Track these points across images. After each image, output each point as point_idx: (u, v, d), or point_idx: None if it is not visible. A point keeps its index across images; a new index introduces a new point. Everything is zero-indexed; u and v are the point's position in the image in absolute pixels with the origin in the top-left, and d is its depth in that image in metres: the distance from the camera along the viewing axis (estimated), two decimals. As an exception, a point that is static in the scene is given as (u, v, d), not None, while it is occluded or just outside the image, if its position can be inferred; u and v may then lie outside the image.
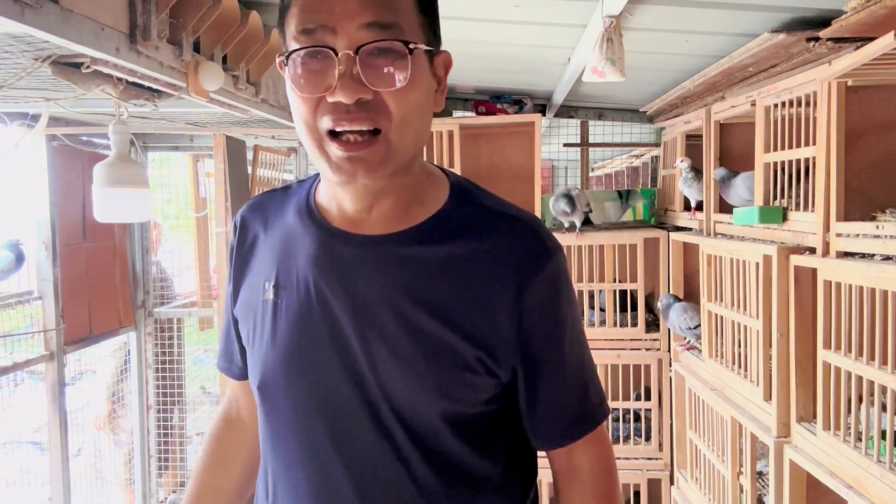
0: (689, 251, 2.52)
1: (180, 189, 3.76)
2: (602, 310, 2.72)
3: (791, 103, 1.71)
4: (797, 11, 1.63)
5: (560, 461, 0.94)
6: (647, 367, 2.71)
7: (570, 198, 2.61)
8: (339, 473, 0.86)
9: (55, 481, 2.64)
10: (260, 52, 2.10)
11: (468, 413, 0.86)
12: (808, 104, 1.62)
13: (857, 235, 1.44)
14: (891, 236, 1.33)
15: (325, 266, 0.86)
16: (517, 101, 3.21)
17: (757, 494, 1.90)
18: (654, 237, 2.68)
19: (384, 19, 0.76)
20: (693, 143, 2.54)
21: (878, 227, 1.37)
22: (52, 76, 1.62)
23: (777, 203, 1.79)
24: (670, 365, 2.63)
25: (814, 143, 1.59)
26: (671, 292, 2.52)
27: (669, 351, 2.65)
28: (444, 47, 0.87)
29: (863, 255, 1.44)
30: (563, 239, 2.62)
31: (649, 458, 2.70)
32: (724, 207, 2.16)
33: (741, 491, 1.96)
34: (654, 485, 2.72)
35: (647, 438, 2.72)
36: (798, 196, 1.70)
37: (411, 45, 0.77)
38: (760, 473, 1.98)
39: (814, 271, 1.58)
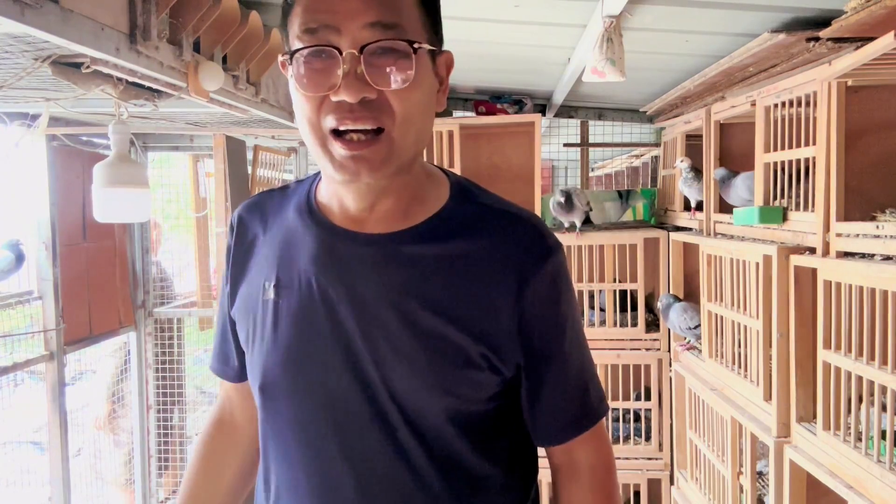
0: (689, 251, 2.52)
1: (180, 189, 3.76)
2: (602, 310, 2.72)
3: (791, 103, 1.71)
4: (797, 11, 1.63)
5: (560, 458, 0.94)
6: (647, 367, 2.71)
7: (569, 197, 2.61)
8: (341, 472, 0.86)
9: (55, 481, 2.64)
10: (260, 52, 2.10)
11: (472, 411, 0.87)
12: (808, 104, 1.62)
13: (857, 235, 1.44)
14: (891, 236, 1.33)
15: (327, 265, 0.87)
16: (517, 101, 3.21)
17: (757, 494, 1.90)
18: (654, 237, 2.68)
19: (387, 19, 0.77)
20: (693, 143, 2.54)
21: (878, 227, 1.37)
22: (52, 76, 1.62)
23: (777, 203, 1.79)
24: (670, 365, 2.63)
25: (814, 143, 1.59)
26: (671, 292, 2.52)
27: (669, 351, 2.65)
28: (444, 47, 0.87)
29: (863, 255, 1.44)
30: (563, 239, 2.62)
31: (649, 458, 2.70)
32: (724, 207, 2.16)
33: (741, 491, 1.96)
34: (654, 485, 2.72)
35: (647, 438, 2.72)
36: (798, 196, 1.70)
37: (415, 45, 0.78)
38: (760, 473, 1.98)
39: (814, 271, 1.58)
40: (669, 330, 2.58)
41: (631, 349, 2.71)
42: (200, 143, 3.27)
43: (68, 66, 1.61)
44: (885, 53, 1.25)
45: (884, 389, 1.32)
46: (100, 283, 2.99)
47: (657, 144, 3.31)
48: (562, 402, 0.91)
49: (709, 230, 2.28)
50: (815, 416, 1.60)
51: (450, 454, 0.86)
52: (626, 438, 2.73)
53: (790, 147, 1.72)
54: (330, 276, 0.86)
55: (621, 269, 2.71)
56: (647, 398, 2.74)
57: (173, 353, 3.34)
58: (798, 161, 1.69)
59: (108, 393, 3.29)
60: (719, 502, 2.12)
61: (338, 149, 0.79)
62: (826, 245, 1.54)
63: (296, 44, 0.78)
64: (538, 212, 2.69)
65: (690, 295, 2.50)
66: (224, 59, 1.94)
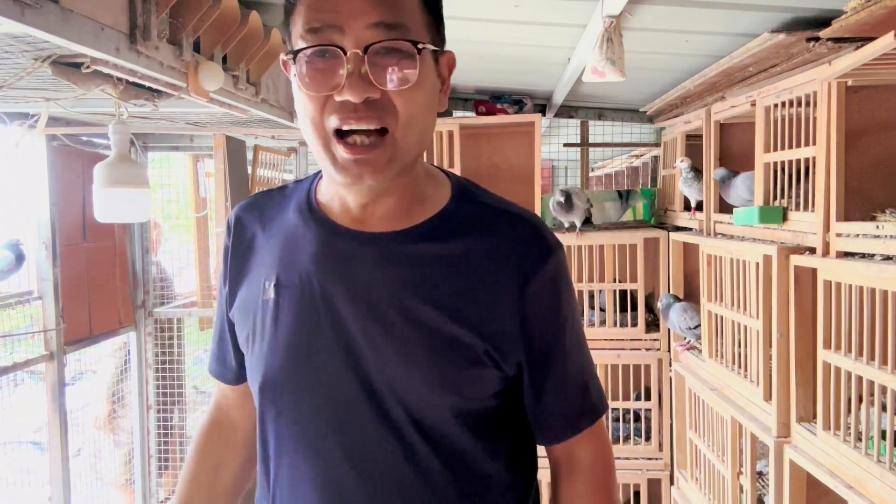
0: (689, 251, 2.52)
1: (180, 189, 3.76)
2: (602, 310, 2.72)
3: (791, 103, 1.71)
4: (797, 11, 1.63)
5: (560, 456, 0.95)
6: (647, 367, 2.71)
7: (569, 197, 2.61)
8: (344, 472, 0.86)
9: (55, 481, 2.64)
10: (260, 52, 2.10)
11: (476, 408, 0.87)
12: (808, 104, 1.62)
13: (857, 235, 1.44)
14: (891, 236, 1.33)
15: (329, 263, 0.87)
16: (517, 101, 3.21)
17: (757, 494, 1.90)
18: (654, 237, 2.68)
19: (391, 19, 0.77)
20: (693, 143, 2.54)
21: (878, 227, 1.37)
22: (52, 76, 1.62)
23: (777, 203, 1.79)
24: (670, 365, 2.63)
25: (814, 143, 1.59)
26: (671, 292, 2.52)
27: (669, 351, 2.65)
28: (445, 47, 0.87)
29: (863, 255, 1.44)
30: (563, 239, 2.62)
31: (649, 458, 2.70)
32: (724, 207, 2.16)
33: (741, 491, 1.96)
34: (654, 485, 2.72)
35: (647, 438, 2.72)
36: (798, 196, 1.70)
37: (420, 46, 0.78)
38: (760, 473, 1.98)
39: (814, 271, 1.58)
40: (669, 330, 2.58)
41: (631, 349, 2.71)
42: (200, 143, 3.27)
43: (68, 66, 1.61)
44: (885, 53, 1.25)
45: (884, 389, 1.32)
46: (100, 283, 2.99)
47: (657, 144, 3.30)
48: (563, 399, 0.92)
49: (709, 230, 2.28)
50: (815, 416, 1.60)
51: (454, 453, 0.86)
52: (626, 438, 2.73)
53: (790, 147, 1.72)
54: (331, 275, 0.86)
55: (621, 269, 2.71)
56: (647, 398, 2.74)
57: (173, 353, 3.34)
58: (798, 161, 1.69)
59: (108, 393, 3.29)
60: (719, 502, 2.12)
61: (341, 152, 0.79)
62: (826, 245, 1.54)
63: (299, 43, 0.78)
64: (538, 212, 2.69)
65: (690, 295, 2.50)
66: (224, 59, 1.94)
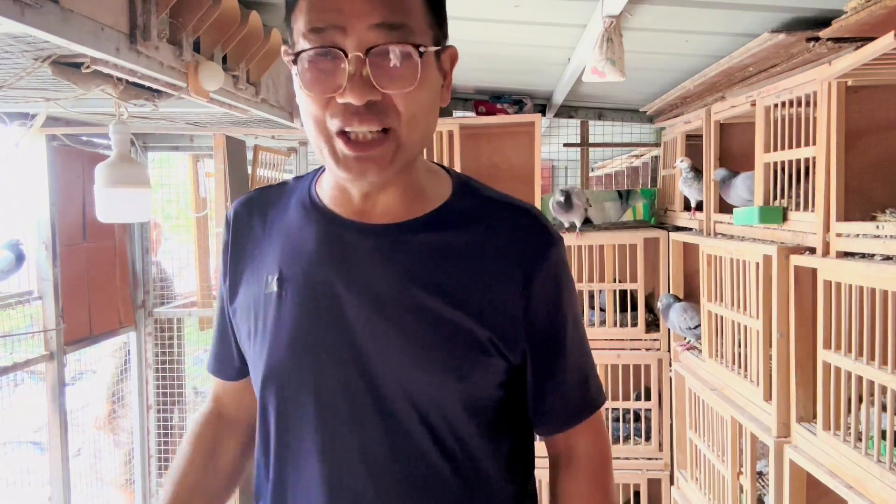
0: (689, 251, 2.52)
1: (180, 189, 3.76)
2: (602, 310, 2.72)
3: (791, 103, 1.71)
4: (797, 11, 1.63)
5: (559, 447, 0.97)
6: (647, 367, 2.71)
7: (568, 197, 2.61)
8: (351, 464, 0.86)
9: (55, 481, 2.64)
10: (260, 52, 2.10)
11: (483, 396, 0.88)
12: (808, 104, 1.62)
13: (857, 235, 1.44)
14: (891, 236, 1.33)
15: (332, 255, 0.87)
16: (517, 101, 3.21)
17: (757, 494, 1.90)
18: (654, 237, 2.68)
19: (394, 19, 0.77)
20: (693, 143, 2.53)
21: (878, 227, 1.37)
22: (52, 76, 1.62)
23: (777, 203, 1.79)
24: (670, 365, 2.63)
25: (814, 143, 1.59)
26: (671, 292, 2.52)
27: (669, 351, 2.65)
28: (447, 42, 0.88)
29: (863, 255, 1.44)
30: (564, 239, 2.62)
31: (649, 458, 2.70)
32: (724, 207, 2.16)
33: (741, 491, 1.96)
34: (654, 485, 2.72)
35: (647, 438, 2.72)
36: (798, 196, 1.70)
37: (422, 49, 0.78)
38: (760, 473, 1.98)
39: (814, 271, 1.58)
40: (669, 330, 2.58)
41: (631, 349, 2.71)
42: (200, 143, 3.27)
43: (68, 66, 1.61)
44: (885, 53, 1.25)
45: (884, 389, 1.32)
46: (100, 283, 2.99)
47: (657, 144, 3.30)
48: (564, 390, 0.93)
49: (709, 230, 2.28)
50: (815, 416, 1.60)
51: (462, 446, 0.87)
52: (626, 438, 2.73)
53: (790, 147, 1.72)
54: (335, 267, 0.87)
55: (621, 269, 2.71)
56: (647, 398, 2.74)
57: (173, 353, 3.34)
58: (798, 161, 1.69)
59: (108, 393, 3.29)
60: (719, 502, 2.12)
61: (343, 149, 0.79)
62: (826, 245, 1.54)
63: (301, 42, 0.78)
64: (538, 212, 2.68)
65: (690, 295, 2.50)
66: (224, 59, 1.94)
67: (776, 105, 1.77)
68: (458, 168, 2.69)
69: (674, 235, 2.54)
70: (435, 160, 2.71)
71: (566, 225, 2.72)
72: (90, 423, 3.31)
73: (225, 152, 2.76)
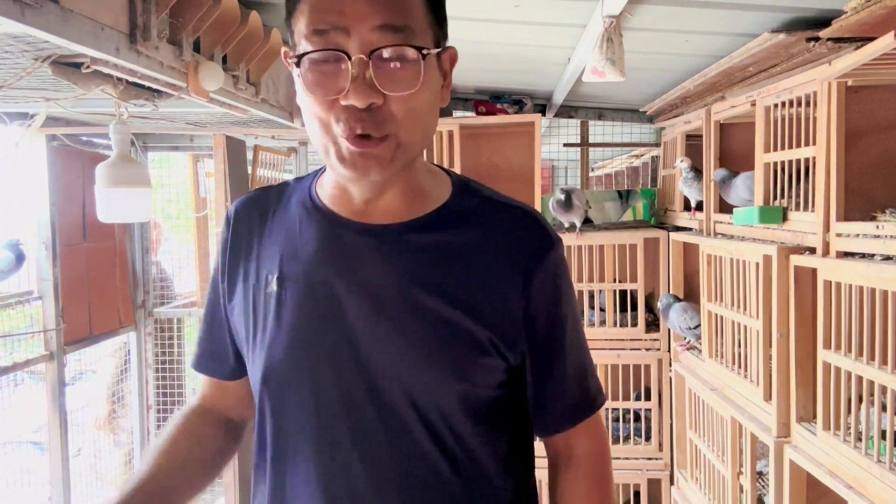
0: (689, 251, 2.52)
1: (180, 189, 3.76)
2: (602, 310, 2.72)
3: (791, 103, 1.71)
4: (797, 11, 1.63)
5: (558, 447, 0.97)
6: (647, 367, 2.71)
7: (569, 196, 2.61)
8: (350, 460, 0.86)
9: (55, 481, 2.64)
10: (260, 52, 2.10)
11: (482, 396, 0.88)
12: (808, 104, 1.62)
13: (857, 235, 1.44)
14: (891, 236, 1.33)
15: (333, 255, 0.87)
16: (517, 101, 3.21)
17: (757, 494, 1.90)
18: (654, 237, 2.68)
19: (396, 21, 0.77)
20: (693, 143, 2.54)
21: (878, 227, 1.37)
22: (52, 76, 1.62)
23: (777, 203, 1.79)
24: (670, 365, 2.63)
25: (814, 143, 1.59)
26: (671, 292, 2.52)
27: (669, 351, 2.65)
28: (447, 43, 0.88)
29: (863, 255, 1.44)
30: (563, 239, 2.62)
31: (649, 458, 2.70)
32: (724, 207, 2.16)
33: (741, 491, 1.96)
34: (654, 485, 2.72)
35: (647, 438, 2.72)
36: (798, 196, 1.70)
37: (424, 52, 0.78)
38: (760, 473, 1.98)
39: (814, 271, 1.58)
40: (669, 330, 2.58)
41: (631, 349, 2.71)
42: (200, 143, 3.27)
43: (68, 66, 1.61)
44: (885, 53, 1.25)
45: (884, 389, 1.32)
46: (100, 283, 2.99)
47: (657, 144, 3.30)
48: (563, 391, 0.94)
49: (709, 230, 2.28)
50: (815, 416, 1.60)
51: (461, 445, 0.87)
52: (626, 438, 2.73)
53: (790, 147, 1.72)
54: (336, 266, 0.87)
55: (621, 269, 2.71)
56: (647, 398, 2.74)
57: (173, 353, 3.34)
58: (798, 161, 1.69)
59: (108, 393, 3.29)
60: (719, 502, 2.12)
61: (347, 146, 0.79)
62: (826, 245, 1.54)
63: (303, 44, 0.78)
64: (538, 212, 2.68)
65: (690, 295, 2.50)
66: (224, 59, 1.94)
67: (776, 105, 1.77)
68: (458, 168, 2.70)
69: (674, 235, 2.54)
70: (435, 160, 2.73)
71: (566, 225, 2.72)
72: (90, 423, 3.31)
73: (225, 152, 2.76)
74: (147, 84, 1.79)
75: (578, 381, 0.95)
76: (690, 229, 2.50)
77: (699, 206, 2.37)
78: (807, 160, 1.65)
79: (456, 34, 0.88)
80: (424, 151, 0.93)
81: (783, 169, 1.76)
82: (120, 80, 1.76)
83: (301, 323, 0.87)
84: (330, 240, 0.88)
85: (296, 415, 0.88)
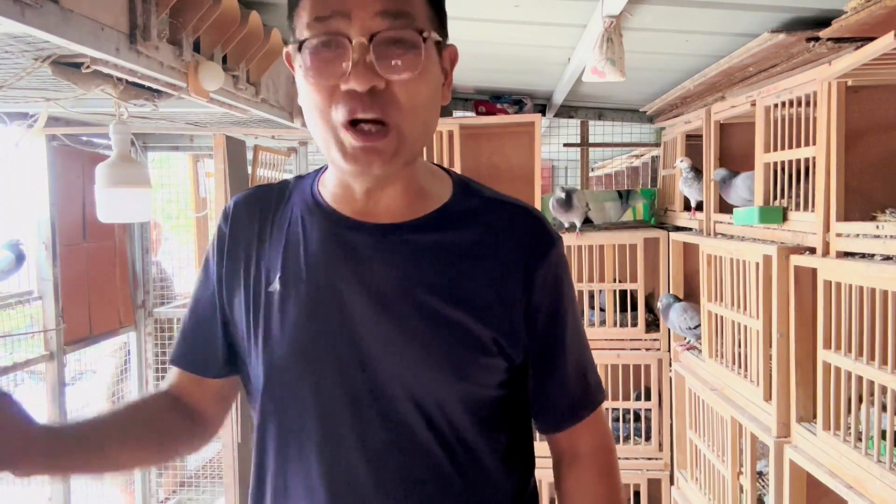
0: (689, 251, 2.52)
1: (180, 189, 3.76)
2: (602, 310, 2.72)
3: (791, 103, 1.71)
4: (797, 11, 1.63)
5: (562, 444, 0.97)
6: (647, 367, 2.71)
7: (569, 195, 2.61)
8: (352, 456, 0.86)
9: (55, 481, 2.64)
10: (260, 52, 2.10)
11: (484, 396, 0.89)
12: (808, 104, 1.62)
13: (857, 235, 1.44)
14: (891, 236, 1.33)
15: (336, 254, 0.87)
16: (517, 101, 3.21)
17: (757, 494, 1.90)
18: (654, 237, 2.68)
19: (397, 8, 0.78)
20: (693, 143, 2.54)
21: (878, 227, 1.37)
22: (52, 76, 1.62)
23: (777, 203, 1.79)
24: (670, 365, 2.63)
25: (814, 143, 1.59)
26: (671, 292, 2.52)
27: (669, 351, 2.65)
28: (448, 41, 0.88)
29: (863, 255, 1.44)
30: (563, 239, 2.62)
31: (649, 458, 2.70)
32: (724, 207, 2.16)
33: (741, 491, 1.96)
34: (654, 485, 2.72)
35: (647, 438, 2.72)
36: (798, 196, 1.70)
37: (425, 35, 0.79)
38: (760, 473, 1.98)
39: (814, 271, 1.58)
40: (669, 330, 2.58)
41: (631, 349, 2.71)
42: (200, 143, 3.27)
43: (68, 66, 1.61)
44: (885, 53, 1.25)
45: (884, 389, 1.32)
46: (100, 283, 2.99)
47: (657, 144, 3.30)
48: (565, 387, 0.94)
49: (709, 230, 2.28)
50: (815, 416, 1.60)
51: (462, 443, 0.88)
52: (626, 438, 2.73)
53: (790, 147, 1.72)
54: (338, 266, 0.87)
55: (621, 269, 2.71)
56: (647, 398, 2.74)
57: (173, 354, 3.34)
58: (798, 161, 1.69)
59: (108, 393, 3.29)
60: (719, 502, 2.12)
61: (350, 140, 0.79)
62: (826, 245, 1.54)
63: (305, 33, 0.79)
64: (538, 212, 2.68)
65: (690, 295, 2.50)
66: (224, 59, 1.94)
67: (776, 105, 1.77)
68: (458, 168, 2.70)
69: (674, 235, 2.54)
70: (435, 160, 2.73)
71: (566, 225, 2.72)
72: (90, 423, 3.31)
73: (225, 152, 2.76)
74: (147, 84, 1.79)
75: (579, 378, 0.96)
76: (690, 229, 2.50)
77: (699, 206, 2.37)
78: (807, 160, 1.65)
79: (456, 34, 0.89)
80: (424, 151, 0.93)
81: (783, 169, 1.76)
82: (120, 80, 1.76)
83: (304, 322, 0.87)
84: (332, 239, 0.88)
85: (298, 413, 0.88)
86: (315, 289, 0.87)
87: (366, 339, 0.85)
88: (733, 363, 1.99)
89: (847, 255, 1.48)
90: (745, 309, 1.88)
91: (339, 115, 0.78)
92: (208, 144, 3.11)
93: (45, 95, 1.97)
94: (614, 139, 3.70)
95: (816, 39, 1.58)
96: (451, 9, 0.88)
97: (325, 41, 0.78)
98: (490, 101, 3.21)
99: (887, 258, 1.35)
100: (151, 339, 3.30)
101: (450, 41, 0.89)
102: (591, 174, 4.72)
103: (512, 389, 0.92)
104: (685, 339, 2.46)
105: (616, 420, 2.75)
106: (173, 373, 0.99)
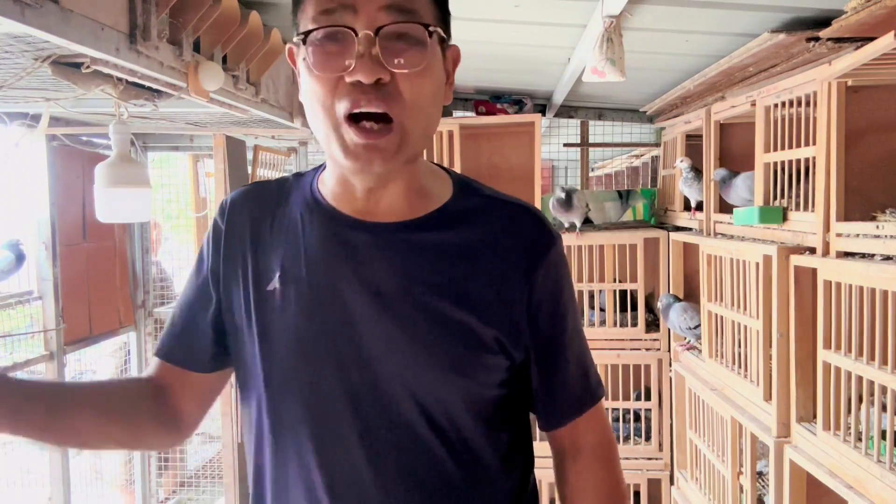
0: (689, 251, 2.52)
1: (180, 189, 3.76)
2: (602, 310, 2.72)
3: (791, 103, 1.71)
4: (797, 11, 1.63)
5: (564, 441, 0.97)
6: (647, 367, 2.71)
7: (569, 195, 2.61)
8: (352, 454, 0.86)
9: (55, 481, 2.64)
10: (260, 52, 2.10)
11: (485, 395, 0.89)
12: (808, 104, 1.62)
13: (857, 235, 1.44)
14: (891, 236, 1.33)
15: (336, 253, 0.87)
16: (517, 101, 3.21)
17: (757, 494, 1.90)
18: (654, 237, 2.68)
19: (403, 3, 0.78)
20: (693, 143, 2.54)
21: (878, 227, 1.37)
22: (52, 76, 1.62)
23: (777, 203, 1.79)
24: (670, 365, 2.63)
25: (814, 143, 1.59)
26: (671, 292, 2.52)
27: (669, 351, 2.65)
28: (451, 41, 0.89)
29: (863, 255, 1.44)
30: (563, 239, 2.62)
31: (649, 458, 2.70)
32: (724, 207, 2.16)
33: (741, 491, 1.96)
34: (654, 485, 2.72)
35: (647, 438, 2.72)
36: (798, 196, 1.70)
37: (430, 28, 0.79)
38: (760, 473, 1.98)
39: (814, 271, 1.58)
40: (669, 330, 2.58)
41: (631, 349, 2.71)
42: (200, 143, 3.27)
43: (68, 66, 1.61)
44: (885, 53, 1.25)
45: (884, 389, 1.32)
46: (100, 283, 2.99)
47: (657, 144, 3.31)
48: (566, 382, 0.95)
49: (709, 230, 2.28)
50: (815, 416, 1.60)
51: (463, 441, 0.88)
52: (626, 438, 2.73)
53: (790, 147, 1.72)
54: (339, 265, 0.86)
55: (621, 269, 2.71)
56: (647, 398, 2.74)
57: (173, 353, 3.33)
58: (798, 161, 1.69)
59: (108, 393, 3.29)
60: (719, 502, 2.12)
61: (352, 136, 0.79)
62: (826, 245, 1.54)
63: (310, 26, 0.79)
64: (538, 212, 2.69)
65: (690, 295, 2.50)
66: (224, 59, 1.94)
67: (776, 105, 1.77)
68: (458, 168, 2.70)
69: (674, 235, 2.54)
70: (435, 160, 2.73)
71: (566, 225, 2.72)
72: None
73: (225, 152, 2.76)
74: (147, 84, 1.79)
75: (580, 374, 0.96)
76: (690, 229, 2.50)
77: (699, 206, 2.37)
78: (807, 160, 1.65)
79: (456, 34, 0.89)
80: (424, 151, 0.93)
81: (783, 169, 1.76)
82: (120, 80, 1.76)
83: (304, 321, 0.87)
84: (333, 238, 0.88)
85: (298, 411, 0.88)
86: (315, 288, 0.87)
87: (366, 338, 0.85)
88: (733, 363, 1.99)
89: (847, 255, 1.48)
90: (745, 309, 1.88)
91: (342, 107, 0.78)
92: (208, 144, 3.11)
93: (45, 95, 1.97)
94: (614, 139, 3.70)
95: (816, 39, 1.58)
96: (451, 9, 0.88)
97: (330, 34, 0.78)
98: (490, 101, 3.21)
99: (887, 258, 1.35)
100: (151, 339, 3.30)
101: (451, 42, 0.89)
102: (591, 174, 4.73)
103: (512, 388, 0.92)
104: (685, 339, 2.46)
105: (616, 420, 2.75)
106: (156, 365, 0.97)
